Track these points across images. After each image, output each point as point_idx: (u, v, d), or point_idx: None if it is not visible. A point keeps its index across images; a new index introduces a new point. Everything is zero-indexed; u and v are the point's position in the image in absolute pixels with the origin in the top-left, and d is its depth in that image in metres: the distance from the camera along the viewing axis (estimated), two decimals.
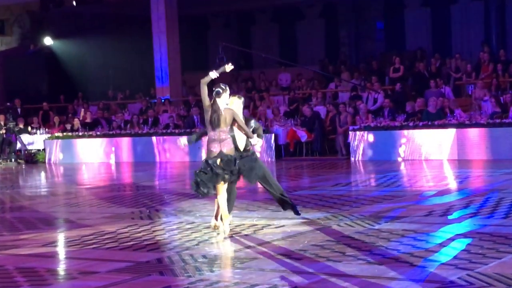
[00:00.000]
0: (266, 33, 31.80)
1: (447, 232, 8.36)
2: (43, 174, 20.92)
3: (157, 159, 22.15)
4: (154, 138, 22.39)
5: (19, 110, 27.56)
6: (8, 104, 26.35)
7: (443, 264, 6.84)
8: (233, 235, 8.79)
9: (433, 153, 18.12)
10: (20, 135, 24.85)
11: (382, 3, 29.78)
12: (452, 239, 7.94)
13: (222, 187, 8.78)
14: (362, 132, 19.10)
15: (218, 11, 32.05)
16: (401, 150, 18.53)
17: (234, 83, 27.20)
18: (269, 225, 9.41)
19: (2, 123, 25.05)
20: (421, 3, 28.66)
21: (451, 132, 17.96)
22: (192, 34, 31.62)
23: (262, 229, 9.15)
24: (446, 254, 7.24)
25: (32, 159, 24.55)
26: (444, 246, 7.64)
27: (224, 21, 33.23)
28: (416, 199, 11.34)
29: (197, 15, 31.85)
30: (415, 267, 6.73)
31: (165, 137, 22.23)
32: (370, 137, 18.96)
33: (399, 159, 18.42)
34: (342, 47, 30.74)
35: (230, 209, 9.13)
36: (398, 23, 29.30)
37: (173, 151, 22.01)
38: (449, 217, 9.46)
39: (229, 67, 9.45)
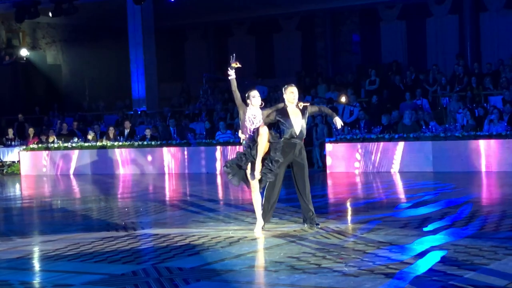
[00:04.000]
0: (243, 45, 31.85)
1: (422, 244, 8.39)
2: (17, 186, 20.76)
3: (134, 170, 22.07)
4: (127, 150, 22.33)
5: None
6: None
7: (418, 276, 6.87)
8: (209, 247, 8.77)
9: (408, 165, 18.22)
10: None
11: (358, 16, 30.00)
12: (427, 251, 7.98)
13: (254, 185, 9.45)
14: (338, 144, 19.17)
15: (195, 23, 32.10)
16: (377, 162, 18.61)
17: (211, 95, 27.24)
18: (246, 237, 9.40)
19: None
20: (396, 16, 28.88)
21: (426, 145, 18.07)
22: (169, 46, 31.61)
23: (238, 241, 9.13)
24: (421, 266, 7.27)
25: (6, 171, 24.36)
26: (419, 258, 7.67)
27: (201, 33, 33.28)
28: (391, 211, 11.39)
29: (174, 27, 31.88)
30: (390, 279, 6.75)
31: (141, 148, 22.15)
32: (346, 149, 19.03)
33: (375, 171, 18.50)
34: (318, 60, 30.90)
35: (266, 216, 9.62)
36: (374, 36, 29.50)
37: (151, 163, 21.92)
38: (424, 229, 9.51)
39: (235, 65, 9.86)
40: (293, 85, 9.93)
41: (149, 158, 21.98)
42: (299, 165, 10.05)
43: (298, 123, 9.79)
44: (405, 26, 28.83)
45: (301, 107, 9.84)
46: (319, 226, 9.78)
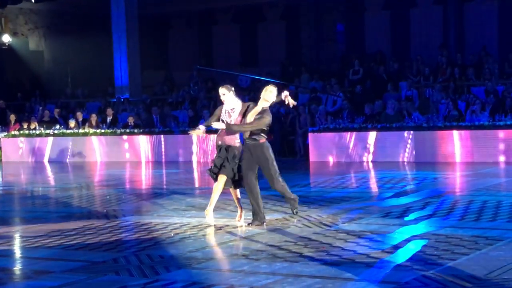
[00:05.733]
0: (227, 34, 31.76)
1: (403, 234, 8.43)
2: None
3: (123, 158, 21.99)
4: (110, 137, 22.25)
5: None
6: None
7: (399, 265, 6.90)
8: (190, 236, 8.76)
9: (391, 155, 18.26)
10: None
11: (343, 5, 29.94)
12: (408, 241, 8.01)
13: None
14: (321, 134, 19.19)
15: (180, 11, 31.94)
16: (359, 152, 18.64)
17: (196, 84, 27.18)
18: (227, 225, 9.40)
19: None
20: (381, 6, 28.87)
21: (409, 135, 18.12)
22: (153, 33, 31.47)
23: (220, 229, 9.13)
24: (402, 255, 7.31)
25: None
26: (400, 247, 7.70)
27: (185, 20, 33.13)
28: (373, 201, 11.43)
29: (158, 14, 31.72)
30: (371, 268, 6.78)
31: (125, 136, 22.08)
32: (329, 139, 19.05)
33: (357, 161, 18.53)
34: (302, 49, 30.85)
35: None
36: (359, 26, 29.48)
37: (134, 150, 21.87)
38: (406, 218, 9.55)
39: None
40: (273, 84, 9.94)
41: (127, 145, 21.90)
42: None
43: None
44: (390, 16, 28.82)
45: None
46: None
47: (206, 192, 12.79)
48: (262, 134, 9.40)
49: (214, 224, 9.40)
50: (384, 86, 22.62)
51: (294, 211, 9.90)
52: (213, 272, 6.91)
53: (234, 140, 9.44)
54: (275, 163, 9.50)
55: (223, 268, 7.02)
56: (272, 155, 9.56)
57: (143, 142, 21.68)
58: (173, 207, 11.38)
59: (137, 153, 21.82)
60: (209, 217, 9.46)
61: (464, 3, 27.08)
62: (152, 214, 10.68)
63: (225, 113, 9.55)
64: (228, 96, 9.55)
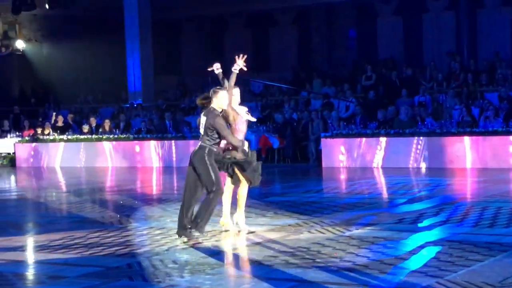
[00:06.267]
0: (239, 39, 31.79)
1: (417, 240, 8.40)
2: (12, 178, 20.73)
3: (134, 163, 22.05)
4: (124, 143, 22.31)
5: None
6: None
7: (412, 271, 6.87)
8: (203, 241, 8.76)
9: (403, 161, 18.22)
10: None
11: (354, 11, 29.94)
12: (422, 247, 7.98)
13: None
14: (333, 139, 19.16)
15: (192, 16, 32.03)
16: (372, 158, 18.61)
17: (207, 88, 27.17)
18: (240, 230, 9.38)
19: None
20: (393, 12, 28.84)
21: (422, 141, 18.07)
22: (166, 39, 31.55)
23: (233, 235, 9.12)
24: (416, 262, 7.28)
25: (2, 163, 24.35)
26: (414, 253, 7.68)
27: (198, 26, 33.21)
28: (386, 207, 11.40)
29: (171, 19, 31.80)
30: (385, 274, 6.75)
31: (139, 141, 22.13)
32: (342, 144, 19.03)
33: (370, 167, 18.49)
34: (314, 54, 30.85)
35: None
36: (371, 31, 29.45)
37: (147, 155, 21.91)
38: (419, 224, 9.52)
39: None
40: (224, 89, 9.21)
41: (139, 150, 21.95)
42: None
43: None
44: (402, 21, 28.79)
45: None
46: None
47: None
48: None
49: (227, 230, 9.38)
50: (397, 92, 22.57)
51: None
52: (226, 278, 6.91)
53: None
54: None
55: (237, 274, 7.01)
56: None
57: (155, 148, 21.72)
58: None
59: (148, 159, 21.86)
60: (241, 222, 9.39)
61: (477, 8, 27.01)
62: (165, 219, 10.68)
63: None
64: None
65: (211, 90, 9.12)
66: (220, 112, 8.98)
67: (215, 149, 8.94)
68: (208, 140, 8.87)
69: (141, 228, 9.98)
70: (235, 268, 7.26)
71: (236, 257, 7.82)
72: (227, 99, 9.05)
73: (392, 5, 28.71)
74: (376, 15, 29.28)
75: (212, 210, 8.94)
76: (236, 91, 9.32)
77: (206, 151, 8.85)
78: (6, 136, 24.89)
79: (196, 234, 8.89)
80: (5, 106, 28.39)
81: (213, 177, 8.81)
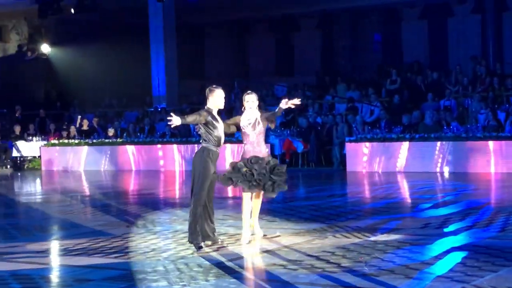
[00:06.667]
0: (262, 43, 31.86)
1: (443, 245, 8.35)
2: (38, 181, 20.87)
3: (153, 167, 22.13)
4: (149, 147, 22.40)
5: (19, 116, 27.53)
6: (5, 110, 26.33)
7: (438, 276, 6.83)
8: (228, 245, 8.76)
9: (429, 165, 18.12)
10: (16, 142, 24.82)
11: (379, 15, 29.87)
12: (447, 252, 7.93)
13: None
14: (358, 144, 19.11)
15: (216, 21, 32.12)
16: (397, 162, 18.53)
17: (230, 93, 27.24)
18: (264, 235, 9.37)
19: None
20: (418, 16, 28.75)
21: (447, 145, 17.97)
22: (190, 43, 31.65)
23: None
24: (442, 267, 7.23)
25: (27, 166, 24.55)
26: (440, 258, 7.63)
27: (222, 30, 33.29)
28: (412, 211, 11.33)
29: (195, 24, 31.90)
30: (410, 279, 6.72)
31: (162, 145, 22.21)
32: (366, 149, 18.96)
33: (395, 171, 18.41)
34: (338, 59, 30.81)
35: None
36: (395, 35, 29.37)
37: (170, 159, 21.98)
38: (445, 229, 9.45)
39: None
40: (220, 87, 9.00)
41: (162, 154, 22.02)
42: (214, 177, 8.87)
43: (223, 131, 8.91)
44: (427, 25, 28.67)
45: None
46: (221, 240, 8.99)
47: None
48: None
49: (252, 234, 9.36)
50: (422, 96, 22.47)
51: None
52: (251, 282, 6.90)
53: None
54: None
55: (261, 278, 7.00)
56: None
57: (178, 151, 21.76)
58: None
59: (172, 163, 21.91)
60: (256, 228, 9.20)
61: (502, 12, 26.84)
62: None
63: (248, 124, 9.04)
64: (255, 105, 9.10)
65: (207, 89, 8.99)
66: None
67: (213, 149, 8.69)
68: (203, 140, 8.77)
69: (166, 232, 9.99)
70: (260, 272, 7.24)
71: (261, 261, 7.80)
72: (223, 98, 8.90)
73: (417, 9, 28.60)
74: (401, 19, 29.19)
75: (194, 219, 8.58)
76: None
77: (203, 151, 8.70)
78: (32, 140, 25.07)
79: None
80: (31, 110, 28.62)
81: (200, 183, 8.56)
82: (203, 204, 8.64)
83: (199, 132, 8.90)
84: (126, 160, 22.73)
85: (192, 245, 8.57)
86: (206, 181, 8.63)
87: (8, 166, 24.84)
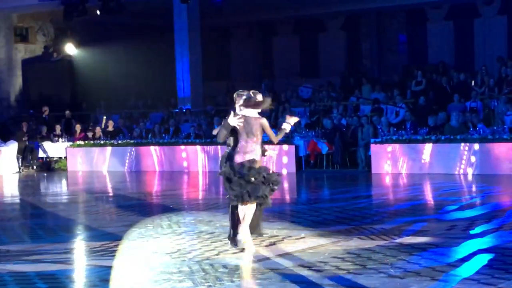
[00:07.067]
0: (287, 44, 31.85)
1: (469, 247, 8.29)
2: (64, 181, 21.01)
3: (178, 168, 22.18)
4: (175, 148, 22.46)
5: (46, 117, 27.73)
6: (31, 111, 26.53)
7: (465, 279, 6.79)
8: (254, 246, 8.76)
9: (455, 167, 17.99)
10: (43, 143, 25.01)
11: (404, 16, 29.76)
12: (474, 254, 7.88)
13: None
14: (383, 145, 19.03)
15: (240, 22, 32.15)
16: (422, 164, 18.43)
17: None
18: (290, 236, 9.37)
19: (25, 130, 25.20)
20: (444, 17, 28.59)
21: (473, 147, 17.84)
22: (215, 44, 31.71)
23: (283, 240, 9.11)
24: (468, 269, 7.19)
25: (53, 167, 24.72)
26: (466, 261, 7.58)
27: (246, 31, 33.33)
28: (437, 213, 11.27)
29: (220, 25, 31.96)
30: (436, 282, 6.69)
31: (186, 146, 22.26)
32: (391, 150, 18.88)
33: (420, 173, 18.30)
34: (363, 60, 30.73)
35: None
36: (421, 36, 29.24)
37: (194, 160, 22.02)
38: (471, 231, 9.39)
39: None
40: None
41: (186, 155, 22.07)
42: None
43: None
44: (453, 26, 28.51)
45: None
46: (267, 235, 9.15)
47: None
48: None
49: (277, 235, 9.35)
50: (447, 97, 22.32)
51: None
52: (276, 283, 6.90)
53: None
54: None
55: (287, 279, 6.99)
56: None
57: (202, 152, 21.77)
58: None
59: (195, 164, 21.92)
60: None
61: None
62: (214, 224, 10.71)
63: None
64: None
65: (235, 93, 9.02)
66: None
67: (236, 155, 8.61)
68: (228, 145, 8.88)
69: (191, 233, 10.01)
70: (285, 273, 7.24)
71: (286, 262, 7.79)
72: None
73: (443, 10, 28.46)
74: (426, 20, 29.06)
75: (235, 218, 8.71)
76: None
77: (225, 156, 8.88)
78: (58, 141, 25.24)
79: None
80: (56, 111, 28.81)
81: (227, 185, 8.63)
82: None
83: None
84: (150, 161, 22.80)
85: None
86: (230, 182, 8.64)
87: (35, 167, 25.02)
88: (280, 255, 8.18)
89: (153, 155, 22.74)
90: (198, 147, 21.85)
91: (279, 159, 19.90)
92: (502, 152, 17.56)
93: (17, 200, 16.06)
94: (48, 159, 25.05)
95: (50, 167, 24.77)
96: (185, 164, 22.17)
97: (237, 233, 8.65)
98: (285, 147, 20.33)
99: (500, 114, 20.15)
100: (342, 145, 20.85)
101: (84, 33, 30.86)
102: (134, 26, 30.39)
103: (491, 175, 17.23)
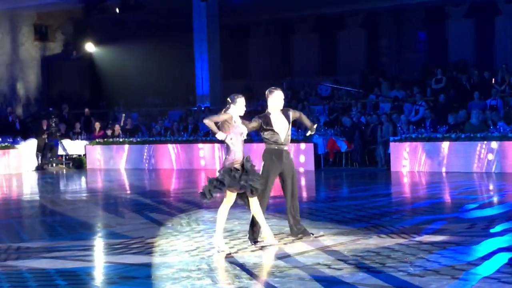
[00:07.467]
0: (306, 43, 31.79)
1: (489, 245, 8.24)
2: (83, 179, 21.09)
3: (198, 165, 22.21)
4: (194, 145, 22.49)
5: (66, 115, 27.85)
6: (51, 109, 26.66)
7: (485, 277, 6.74)
8: (272, 244, 8.74)
9: (475, 165, 17.89)
10: (62, 140, 25.12)
11: (424, 13, 29.63)
12: (494, 253, 7.83)
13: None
14: (403, 143, 18.95)
15: (259, 20, 32.14)
16: (442, 162, 18.34)
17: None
18: (312, 234, 9.32)
19: (45, 128, 25.34)
20: (464, 14, 28.43)
21: (493, 145, 17.72)
22: (233, 43, 31.71)
23: (302, 238, 9.09)
24: (488, 268, 7.14)
25: (73, 164, 24.86)
26: (486, 259, 7.53)
27: (265, 30, 33.31)
28: (457, 212, 11.20)
29: (238, 23, 31.96)
30: (456, 280, 6.64)
31: (204, 144, 22.28)
32: (411, 148, 18.80)
33: (439, 171, 18.22)
34: (382, 58, 30.63)
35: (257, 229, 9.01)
36: (441, 34, 29.09)
37: (211, 158, 22.04)
38: (491, 230, 9.33)
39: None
40: (279, 89, 9.18)
41: (203, 153, 22.09)
42: (287, 173, 9.05)
43: (283, 129, 9.00)
44: (473, 24, 28.35)
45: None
46: (314, 236, 9.10)
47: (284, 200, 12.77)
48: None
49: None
50: (468, 95, 22.19)
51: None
52: (295, 281, 6.89)
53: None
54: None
55: (306, 277, 6.98)
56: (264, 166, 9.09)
57: (219, 150, 21.77)
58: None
59: (212, 161, 21.93)
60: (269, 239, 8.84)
61: None
62: (233, 222, 10.71)
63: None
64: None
65: (267, 90, 9.18)
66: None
67: (274, 147, 9.01)
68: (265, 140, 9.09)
69: (210, 230, 10.01)
70: (304, 271, 7.22)
71: (305, 260, 7.78)
72: (282, 100, 9.06)
73: (463, 7, 28.30)
74: (447, 17, 28.90)
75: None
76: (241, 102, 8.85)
77: (265, 152, 9.16)
78: (78, 138, 25.35)
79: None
80: (76, 108, 28.95)
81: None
82: (265, 202, 8.91)
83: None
84: (167, 159, 22.85)
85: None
86: (267, 179, 8.90)
87: (54, 164, 25.15)
88: (299, 253, 8.16)
89: (171, 153, 22.79)
90: (216, 145, 21.86)
91: (296, 157, 19.86)
92: None
93: (37, 198, 16.14)
94: (67, 157, 25.17)
95: (69, 165, 24.90)
96: (202, 162, 22.19)
97: (254, 232, 8.84)
98: (304, 145, 20.31)
99: None
100: (361, 143, 20.80)
101: (103, 31, 30.96)
102: (153, 24, 30.46)
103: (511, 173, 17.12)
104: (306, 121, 9.56)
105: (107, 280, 7.34)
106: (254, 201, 8.67)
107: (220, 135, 8.53)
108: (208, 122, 8.55)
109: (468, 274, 6.87)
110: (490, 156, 17.72)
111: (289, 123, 9.05)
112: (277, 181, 9.13)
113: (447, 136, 18.45)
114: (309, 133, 9.60)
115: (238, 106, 8.70)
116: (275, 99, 9.04)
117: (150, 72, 30.39)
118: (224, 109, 8.81)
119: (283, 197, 9.23)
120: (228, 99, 8.82)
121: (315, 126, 9.58)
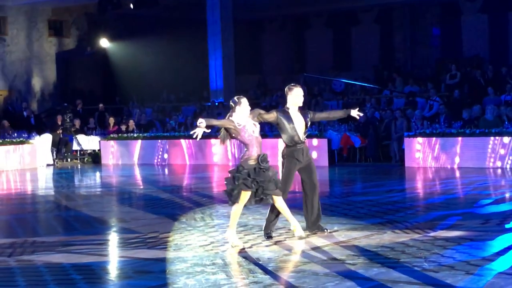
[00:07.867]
0: (320, 38, 31.74)
1: (504, 241, 8.22)
2: (98, 174, 21.17)
3: (211, 161, 22.25)
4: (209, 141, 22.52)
5: (80, 110, 27.95)
6: (65, 104, 26.77)
7: (500, 273, 6.73)
8: (286, 239, 8.77)
9: (489, 161, 17.83)
10: (76, 136, 25.22)
11: (438, 9, 29.52)
12: (509, 248, 7.80)
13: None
14: (417, 139, 18.91)
15: (273, 15, 32.12)
16: (456, 157, 18.28)
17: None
18: (326, 229, 9.32)
19: (59, 123, 25.45)
20: (478, 10, 28.31)
21: (506, 140, 17.66)
22: (247, 38, 31.71)
23: (315, 233, 9.09)
24: (503, 263, 7.12)
25: (87, 159, 24.97)
26: (501, 255, 7.51)
27: (279, 25, 33.29)
28: (472, 207, 11.17)
29: (252, 18, 31.96)
30: (471, 276, 6.63)
31: (217, 140, 22.27)
32: (425, 144, 18.75)
33: (454, 167, 18.18)
34: (396, 53, 30.55)
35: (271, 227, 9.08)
36: (455, 30, 28.97)
37: (224, 154, 22.06)
38: (507, 225, 9.30)
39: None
40: (299, 86, 9.18)
41: (229, 150, 22.11)
42: (306, 169, 9.18)
43: (300, 128, 9.01)
44: (487, 19, 28.22)
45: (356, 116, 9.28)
46: (328, 231, 9.12)
47: (297, 196, 12.79)
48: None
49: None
50: (482, 90, 22.11)
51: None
52: (309, 276, 6.90)
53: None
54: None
55: (320, 272, 6.98)
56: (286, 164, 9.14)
57: (232, 146, 21.78)
58: (267, 210, 11.39)
59: (225, 157, 21.95)
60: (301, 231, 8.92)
61: None
62: (247, 217, 10.72)
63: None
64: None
65: (286, 87, 9.19)
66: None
67: (292, 145, 9.05)
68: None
69: (224, 225, 10.04)
70: (318, 266, 7.23)
71: (319, 255, 7.79)
72: (301, 96, 9.06)
73: (477, 2, 28.17)
74: (461, 12, 28.78)
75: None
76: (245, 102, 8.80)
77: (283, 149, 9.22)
78: (92, 134, 25.45)
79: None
80: (90, 104, 29.05)
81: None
82: (284, 197, 8.88)
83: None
84: (181, 154, 22.89)
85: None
86: (284, 178, 9.00)
87: (69, 160, 25.26)
88: (313, 248, 8.17)
89: (184, 148, 22.83)
90: (228, 141, 21.82)
91: (310, 153, 19.83)
92: None
93: (52, 192, 16.22)
94: (82, 152, 25.28)
95: (84, 160, 25.00)
96: (215, 158, 22.20)
97: (269, 227, 8.94)
98: (317, 141, 20.29)
99: None
100: (375, 138, 20.77)
101: (117, 27, 31.05)
102: (167, 20, 30.50)
103: None
104: (336, 113, 9.84)
105: (122, 275, 7.38)
106: (277, 198, 8.66)
107: (199, 121, 8.47)
108: (206, 119, 8.59)
109: (483, 269, 6.86)
110: (505, 152, 17.63)
111: (306, 123, 9.05)
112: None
113: (461, 132, 18.38)
114: (355, 112, 9.26)
115: (243, 106, 8.66)
116: (295, 96, 9.05)
117: (164, 67, 30.44)
118: (227, 115, 8.72)
119: (300, 192, 9.25)
120: (231, 103, 8.71)
121: (348, 110, 9.36)
